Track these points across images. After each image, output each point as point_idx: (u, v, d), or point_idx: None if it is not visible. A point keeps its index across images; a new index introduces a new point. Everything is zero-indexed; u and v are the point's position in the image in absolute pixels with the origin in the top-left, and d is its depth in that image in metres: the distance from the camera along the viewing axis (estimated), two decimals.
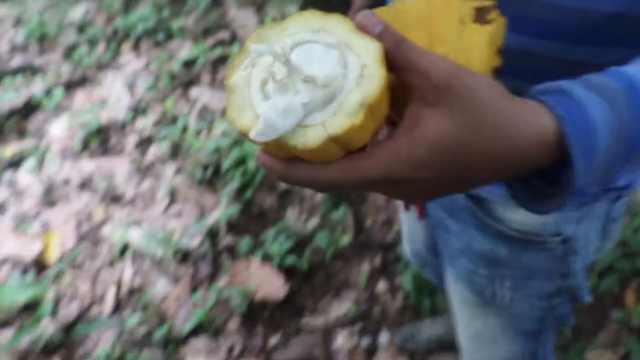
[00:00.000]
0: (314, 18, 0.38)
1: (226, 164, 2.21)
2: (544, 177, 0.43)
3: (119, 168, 2.48)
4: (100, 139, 2.67)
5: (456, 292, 0.95)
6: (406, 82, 0.38)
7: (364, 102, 0.35)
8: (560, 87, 0.40)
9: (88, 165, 2.52)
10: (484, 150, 0.37)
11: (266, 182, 2.16)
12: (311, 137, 0.35)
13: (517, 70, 0.55)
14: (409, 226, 1.20)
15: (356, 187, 0.39)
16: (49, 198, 2.37)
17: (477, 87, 0.37)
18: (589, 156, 0.38)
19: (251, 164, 2.16)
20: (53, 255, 2.14)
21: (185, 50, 3.11)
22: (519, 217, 0.73)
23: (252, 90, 0.37)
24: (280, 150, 0.37)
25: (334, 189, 0.39)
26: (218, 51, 2.97)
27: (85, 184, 2.44)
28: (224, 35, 3.14)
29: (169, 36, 3.30)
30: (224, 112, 2.61)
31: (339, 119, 0.35)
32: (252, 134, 0.35)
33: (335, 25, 0.37)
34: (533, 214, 0.61)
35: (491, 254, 0.79)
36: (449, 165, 0.37)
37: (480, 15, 0.44)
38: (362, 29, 0.37)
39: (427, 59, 0.36)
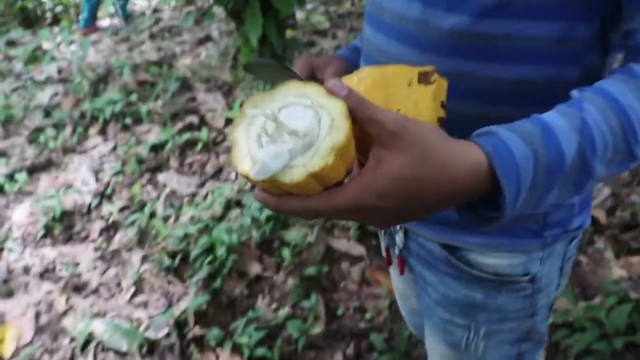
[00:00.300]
0: (294, 86, 0.50)
1: (195, 251, 2.18)
2: (485, 204, 0.53)
3: (82, 255, 2.42)
4: (64, 225, 2.61)
5: (433, 347, 0.99)
6: (368, 132, 0.49)
7: (334, 147, 0.46)
8: (489, 130, 0.52)
9: (50, 253, 2.45)
10: (431, 180, 0.48)
11: (236, 270, 2.14)
12: (296, 175, 0.46)
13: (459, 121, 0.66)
14: (399, 286, 1.21)
15: (334, 215, 0.50)
16: (7, 288, 2.27)
17: (422, 132, 0.48)
18: (515, 183, 0.49)
19: (220, 251, 2.13)
20: (8, 350, 2.03)
21: (153, 134, 3.13)
22: (492, 262, 0.81)
23: (250, 142, 0.48)
24: (273, 187, 0.48)
25: (317, 216, 0.50)
26: (186, 135, 3.00)
27: (46, 273, 2.36)
28: (192, 119, 3.18)
29: (137, 120, 3.33)
30: (192, 198, 2.60)
31: (316, 160, 0.46)
32: (252, 174, 0.46)
33: (311, 91, 0.50)
34: (502, 258, 0.78)
35: (467, 299, 0.86)
36: (405, 194, 0.48)
37: (423, 78, 0.57)
38: (332, 92, 0.49)
39: (381, 113, 0.48)
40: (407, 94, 0.56)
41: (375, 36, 0.77)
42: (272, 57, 2.72)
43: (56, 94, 3.93)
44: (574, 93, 0.57)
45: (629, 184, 2.42)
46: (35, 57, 4.69)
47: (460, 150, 0.49)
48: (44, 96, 3.90)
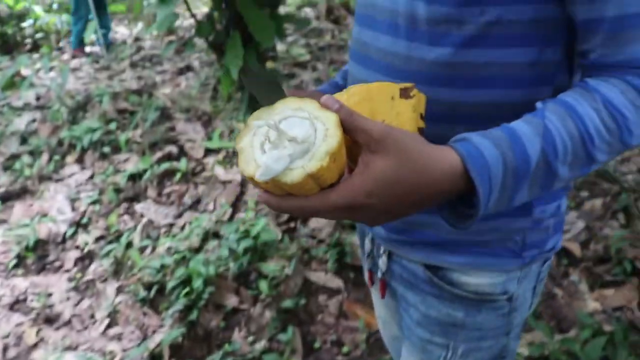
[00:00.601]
0: (292, 101, 0.58)
1: (171, 283, 2.15)
2: (462, 203, 0.61)
3: (55, 286, 2.37)
4: (37, 255, 2.56)
5: None
6: (357, 141, 0.56)
7: (328, 151, 0.53)
8: (464, 137, 0.60)
9: (22, 283, 2.40)
10: (413, 180, 0.55)
11: (212, 302, 2.11)
12: (296, 176, 0.52)
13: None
14: (381, 312, 1.22)
15: (329, 213, 0.56)
16: None
17: (403, 139, 0.56)
18: (487, 182, 0.57)
19: (197, 283, 2.11)
20: None
21: (131, 163, 3.11)
22: (474, 281, 0.85)
23: (255, 149, 0.55)
24: (275, 188, 0.55)
25: (314, 214, 0.56)
26: (165, 165, 2.99)
27: (17, 304, 2.31)
28: (171, 149, 3.17)
29: (116, 149, 3.31)
30: (169, 228, 2.58)
31: (313, 162, 0.53)
32: (257, 176, 0.52)
33: (307, 105, 0.57)
34: (484, 277, 0.83)
35: (448, 318, 0.89)
36: (390, 194, 0.55)
37: (404, 93, 0.64)
38: (325, 106, 0.57)
39: (368, 122, 0.55)
40: (390, 107, 0.64)
41: (361, 71, 0.82)
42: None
43: (34, 121, 3.90)
44: (538, 104, 0.65)
45: (602, 217, 2.47)
46: (13, 82, 4.66)
47: (437, 154, 0.57)
48: (21, 122, 3.86)
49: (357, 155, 0.57)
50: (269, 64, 3.66)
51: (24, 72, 4.92)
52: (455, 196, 0.59)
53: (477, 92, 0.72)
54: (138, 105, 3.79)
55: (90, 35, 5.56)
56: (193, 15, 2.76)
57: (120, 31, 6.59)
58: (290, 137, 0.54)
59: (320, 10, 6.16)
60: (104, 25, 5.53)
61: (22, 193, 3.07)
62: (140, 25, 6.63)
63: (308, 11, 6.42)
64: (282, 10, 4.68)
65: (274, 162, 0.52)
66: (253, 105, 2.77)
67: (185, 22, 5.87)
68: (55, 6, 7.10)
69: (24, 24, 6.29)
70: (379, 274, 0.97)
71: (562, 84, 0.73)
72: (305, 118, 0.56)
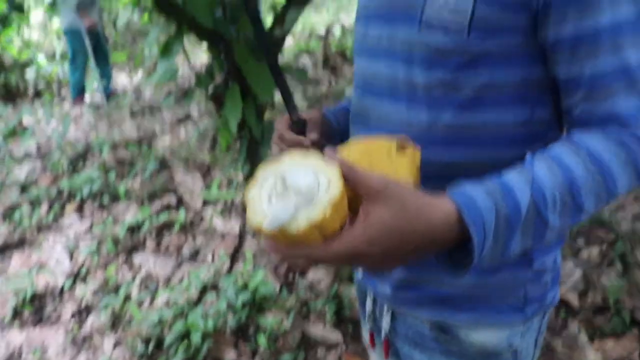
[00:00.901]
0: (297, 156, 0.61)
1: (169, 337, 2.14)
2: (459, 251, 0.63)
3: (52, 340, 2.35)
4: (34, 307, 2.55)
5: None
6: (357, 192, 0.59)
7: (331, 202, 0.56)
8: (458, 187, 0.63)
9: (17, 337, 2.38)
10: (411, 229, 0.58)
11: (211, 356, 2.10)
12: (301, 225, 0.55)
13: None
14: None
15: (333, 261, 0.59)
16: None
17: (401, 190, 0.59)
18: (481, 229, 0.59)
19: (196, 338, 2.10)
20: None
21: (130, 214, 3.13)
22: (480, 336, 0.87)
23: (262, 201, 0.58)
24: (281, 237, 0.57)
25: (319, 262, 0.59)
26: (164, 216, 3.00)
27: (11, 358, 2.28)
28: (170, 199, 3.20)
29: (115, 199, 3.33)
30: (168, 280, 2.58)
31: (317, 212, 0.55)
32: (264, 225, 0.55)
33: (311, 158, 0.61)
34: (489, 332, 0.87)
35: None
36: (390, 242, 0.58)
37: (401, 148, 0.68)
38: (328, 160, 0.60)
39: (368, 175, 0.59)
40: (388, 161, 0.67)
41: (362, 133, 0.88)
42: (250, 141, 2.78)
43: (34, 170, 3.93)
44: (528, 156, 0.68)
45: (599, 265, 2.48)
46: (14, 131, 4.72)
47: (433, 203, 0.60)
48: (21, 172, 3.90)
49: (357, 206, 0.60)
50: (267, 114, 3.72)
51: (26, 121, 4.99)
52: (452, 244, 0.62)
53: (474, 152, 0.77)
54: (137, 155, 3.83)
55: (92, 84, 5.66)
56: (193, 69, 2.82)
57: (121, 80, 6.70)
58: (296, 189, 0.57)
59: (317, 58, 6.29)
60: (106, 74, 5.63)
61: (21, 243, 3.08)
62: (140, 73, 6.76)
63: (305, 59, 6.56)
64: (280, 58, 4.79)
65: (281, 212, 0.55)
66: (252, 156, 2.80)
67: (185, 68, 5.99)
68: (57, 55, 7.25)
69: (27, 73, 6.40)
70: (382, 335, 0.98)
71: (553, 141, 0.76)
72: (310, 171, 0.59)
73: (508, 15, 0.69)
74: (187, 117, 4.66)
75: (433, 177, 0.74)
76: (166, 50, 2.86)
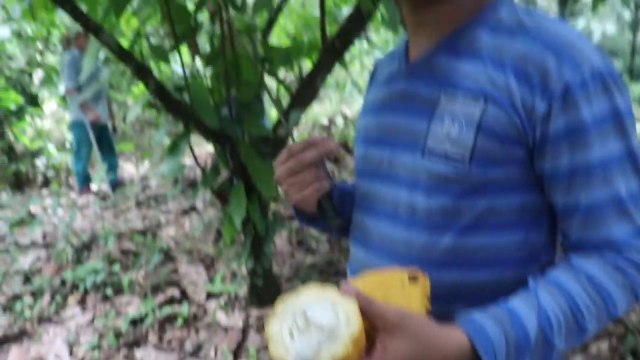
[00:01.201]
0: (315, 289, 0.66)
1: None
2: None
3: None
4: None
5: None
6: (374, 324, 0.64)
7: (351, 337, 0.60)
8: (468, 316, 0.69)
9: None
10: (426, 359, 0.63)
11: None
12: None
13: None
14: None
15: None
16: None
17: (416, 322, 0.64)
18: (493, 358, 0.65)
19: None
20: None
21: (133, 306, 3.13)
22: None
23: (284, 336, 0.62)
24: None
25: None
26: (167, 309, 3.01)
27: None
28: (173, 292, 3.21)
29: (118, 290, 3.34)
30: None
31: (338, 348, 0.60)
32: None
33: (328, 292, 0.65)
34: None
35: None
36: None
37: (413, 279, 0.73)
38: (345, 294, 0.65)
39: (384, 308, 0.64)
40: (401, 292, 0.72)
41: (365, 255, 0.91)
42: (254, 236, 2.84)
43: (38, 259, 3.96)
44: (531, 282, 0.75)
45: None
46: (22, 220, 4.78)
47: (447, 334, 0.66)
48: (25, 261, 3.92)
49: (374, 335, 0.65)
50: (272, 205, 3.82)
51: (34, 209, 5.07)
52: None
53: (473, 274, 0.81)
54: (142, 246, 3.88)
55: (99, 174, 5.79)
56: (199, 165, 2.93)
57: (128, 169, 6.86)
58: (317, 325, 0.61)
59: None
60: (112, 165, 5.77)
61: (20, 336, 3.05)
62: (147, 164, 6.93)
63: None
64: None
65: (305, 349, 0.60)
66: (256, 251, 2.85)
67: (191, 159, 6.15)
68: (67, 145, 7.47)
69: (37, 162, 6.58)
70: None
71: (547, 262, 0.83)
72: (328, 305, 0.64)
73: (507, 148, 0.76)
74: (192, 208, 4.75)
75: (434, 298, 0.78)
76: (173, 148, 2.99)
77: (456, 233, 0.80)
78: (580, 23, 10.86)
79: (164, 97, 2.26)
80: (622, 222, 0.75)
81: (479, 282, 0.81)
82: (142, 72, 2.16)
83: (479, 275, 0.81)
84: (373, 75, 1.06)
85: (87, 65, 2.40)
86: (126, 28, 3.73)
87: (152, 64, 2.74)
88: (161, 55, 2.23)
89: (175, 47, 2.30)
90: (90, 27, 2.01)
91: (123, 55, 2.11)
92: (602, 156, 0.74)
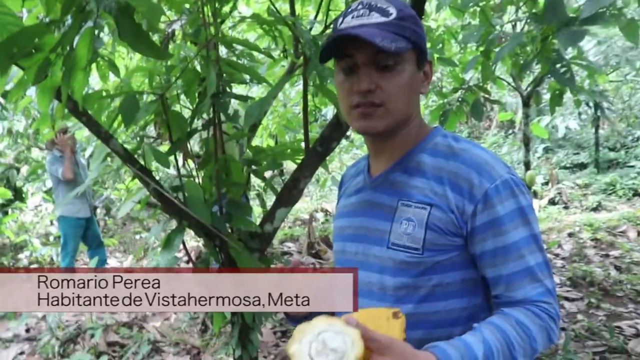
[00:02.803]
0: (324, 319, 0.87)
1: None
2: None
3: None
4: None
5: None
6: (369, 346, 0.85)
7: (357, 356, 0.81)
8: (435, 344, 0.94)
9: None
10: None
11: None
12: None
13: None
14: None
15: None
16: None
17: (400, 346, 0.87)
18: None
19: None
20: None
21: None
22: None
23: (303, 355, 0.83)
24: None
25: None
26: None
27: None
28: None
29: None
30: None
31: None
32: None
33: (336, 322, 0.86)
34: None
35: None
36: None
37: (394, 316, 0.94)
38: (349, 324, 0.86)
39: (378, 335, 0.86)
40: (387, 324, 0.93)
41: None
42: (242, 325, 2.98)
43: (22, 353, 3.98)
44: (475, 325, 1.01)
45: None
46: (3, 315, 4.80)
47: (422, 356, 0.91)
48: (8, 355, 3.94)
49: (367, 356, 0.86)
50: None
51: None
52: None
53: (430, 332, 1.08)
54: (129, 338, 3.95)
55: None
56: (190, 258, 3.12)
57: (112, 263, 6.95)
58: (332, 347, 0.83)
59: (302, 244, 6.68)
60: (101, 258, 5.85)
61: None
62: (130, 258, 7.03)
63: (290, 245, 6.94)
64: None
65: None
66: (243, 340, 2.99)
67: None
68: (52, 239, 7.56)
69: (20, 255, 6.64)
70: None
71: (485, 319, 1.09)
72: (337, 332, 0.86)
73: (448, 239, 1.06)
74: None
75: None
76: (168, 243, 3.18)
77: (415, 302, 1.08)
78: (545, 120, 11.48)
79: (162, 197, 2.50)
80: (534, 285, 1.04)
81: (436, 337, 1.03)
82: (144, 175, 2.40)
83: (435, 332, 1.06)
84: (341, 185, 1.37)
85: (94, 166, 2.63)
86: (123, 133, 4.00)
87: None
88: (162, 160, 2.48)
89: (173, 151, 2.56)
90: (102, 134, 2.27)
91: (128, 159, 2.36)
92: (514, 240, 1.04)
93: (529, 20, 3.26)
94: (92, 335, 4.01)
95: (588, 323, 4.02)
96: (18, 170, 8.89)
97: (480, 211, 1.04)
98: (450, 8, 4.22)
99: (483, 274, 1.08)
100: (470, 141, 1.14)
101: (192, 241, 7.15)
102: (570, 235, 7.15)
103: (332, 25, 1.15)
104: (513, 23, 4.33)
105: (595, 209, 9.06)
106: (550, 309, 1.03)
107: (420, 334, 1.07)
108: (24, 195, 9.05)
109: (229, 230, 2.82)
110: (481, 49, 3.69)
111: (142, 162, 2.43)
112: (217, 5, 2.39)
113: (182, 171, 3.08)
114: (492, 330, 0.99)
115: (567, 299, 4.64)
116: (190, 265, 3.02)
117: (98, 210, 8.66)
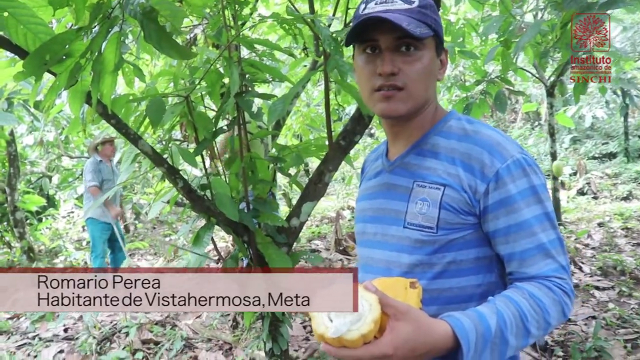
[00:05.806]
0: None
1: None
2: (452, 356, 0.95)
3: None
4: None
5: None
6: (387, 312, 0.90)
7: (374, 319, 0.87)
8: (450, 314, 0.97)
9: None
10: (422, 340, 0.90)
11: None
12: (354, 335, 0.86)
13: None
14: None
15: (369, 359, 0.88)
16: None
17: (417, 313, 0.92)
18: (467, 341, 0.92)
19: None
20: None
21: None
22: None
23: (323, 317, 0.89)
24: (334, 342, 0.87)
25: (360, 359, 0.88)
26: None
27: None
28: None
29: None
30: None
31: (365, 326, 0.86)
32: (328, 334, 0.87)
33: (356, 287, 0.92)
34: None
35: None
36: (408, 347, 0.89)
37: (412, 285, 0.99)
38: (368, 289, 0.92)
39: (396, 301, 0.91)
40: (404, 293, 0.98)
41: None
42: (272, 319, 3.05)
43: (61, 352, 4.11)
44: (490, 298, 1.04)
45: None
46: (43, 315, 4.96)
47: (437, 324, 0.94)
48: (48, 354, 4.08)
49: (384, 321, 0.91)
50: None
51: None
52: (448, 351, 0.94)
53: (444, 308, 1.09)
54: (162, 336, 4.05)
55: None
56: (219, 254, 3.18)
57: (143, 266, 7.09)
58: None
59: (330, 241, 6.73)
60: (119, 261, 6.01)
61: None
62: (161, 260, 7.17)
63: (318, 243, 7.00)
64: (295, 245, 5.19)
65: (341, 326, 0.86)
66: (273, 333, 3.05)
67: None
68: (84, 243, 7.76)
69: (56, 260, 6.83)
70: None
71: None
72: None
73: (461, 218, 1.10)
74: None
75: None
76: (197, 239, 3.26)
77: (430, 279, 1.12)
78: (571, 110, 11.34)
79: (191, 195, 2.57)
80: (547, 261, 1.07)
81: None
82: (172, 173, 2.48)
83: (449, 308, 1.08)
84: (363, 170, 1.44)
85: (124, 168, 2.73)
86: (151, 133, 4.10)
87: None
88: (190, 159, 2.56)
89: (199, 151, 2.63)
90: (130, 136, 2.35)
91: (157, 159, 2.44)
92: (527, 217, 1.06)
93: (548, 8, 3.25)
94: (127, 334, 4.12)
95: (619, 311, 3.99)
96: (50, 178, 9.16)
97: (493, 190, 1.07)
98: (470, 1, 4.23)
99: (497, 251, 1.11)
100: (483, 123, 1.17)
101: (221, 242, 7.27)
102: (600, 225, 7.06)
103: (353, 14, 1.18)
104: (534, 12, 4.30)
105: (625, 199, 8.92)
106: (564, 284, 1.06)
107: (435, 310, 1.08)
108: (56, 203, 9.32)
109: (257, 226, 2.88)
110: (502, 39, 3.68)
111: (170, 163, 2.51)
112: (236, 7, 2.46)
113: (209, 170, 3.15)
114: (506, 302, 1.01)
115: (597, 288, 4.60)
116: (220, 264, 3.10)
117: (127, 215, 8.89)
